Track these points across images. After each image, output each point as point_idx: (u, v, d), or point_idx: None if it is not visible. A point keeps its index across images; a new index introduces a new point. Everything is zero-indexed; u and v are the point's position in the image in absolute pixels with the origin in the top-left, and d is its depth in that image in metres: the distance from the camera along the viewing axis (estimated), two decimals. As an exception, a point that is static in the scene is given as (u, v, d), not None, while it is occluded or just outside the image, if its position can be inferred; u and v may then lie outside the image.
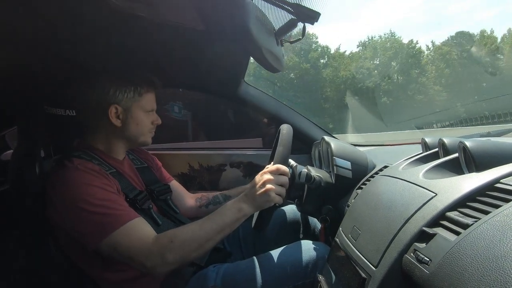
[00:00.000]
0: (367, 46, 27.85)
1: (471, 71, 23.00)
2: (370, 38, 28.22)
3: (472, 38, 25.61)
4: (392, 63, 25.96)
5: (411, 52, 25.85)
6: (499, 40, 24.73)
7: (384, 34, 28.23)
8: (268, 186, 0.75)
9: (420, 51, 26.45)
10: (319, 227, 1.03)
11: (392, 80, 24.99)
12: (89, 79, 0.86)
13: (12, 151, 1.10)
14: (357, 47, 28.74)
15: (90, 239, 0.73)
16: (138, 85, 0.86)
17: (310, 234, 1.10)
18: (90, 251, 0.74)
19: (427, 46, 28.78)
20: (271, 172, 0.77)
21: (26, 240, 0.90)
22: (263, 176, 0.77)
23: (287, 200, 1.13)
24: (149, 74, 0.90)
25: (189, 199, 1.11)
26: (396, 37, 27.24)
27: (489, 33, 25.32)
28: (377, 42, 27.41)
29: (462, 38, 25.76)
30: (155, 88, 0.91)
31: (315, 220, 1.10)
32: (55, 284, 0.90)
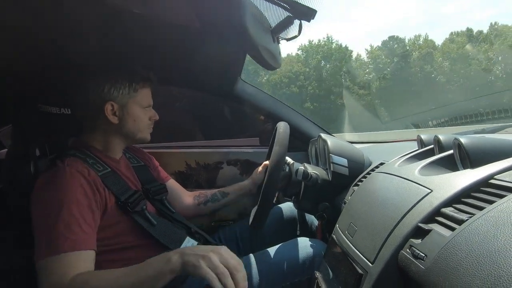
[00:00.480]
0: (303, 50, 27.52)
1: (401, 75, 23.30)
2: (310, 41, 27.66)
3: (403, 43, 25.92)
4: (326, 66, 26.12)
5: (339, 57, 25.98)
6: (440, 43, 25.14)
7: (323, 38, 27.80)
8: (209, 254, 0.58)
9: (350, 55, 26.75)
10: (316, 224, 1.04)
11: (319, 84, 24.91)
12: (84, 77, 0.85)
13: (6, 150, 1.09)
14: (297, 50, 28.36)
15: (36, 251, 0.67)
16: (133, 81, 0.85)
17: (307, 231, 1.10)
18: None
19: (366, 49, 29.17)
20: (222, 258, 0.59)
21: (24, 240, 0.89)
22: (212, 253, 0.59)
23: (284, 198, 1.13)
24: (144, 69, 0.89)
25: (187, 197, 1.10)
26: (331, 41, 27.06)
27: (424, 37, 25.71)
28: (311, 46, 27.15)
29: (394, 43, 26.12)
30: (151, 83, 0.90)
31: (312, 217, 1.11)
32: None
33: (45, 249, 0.66)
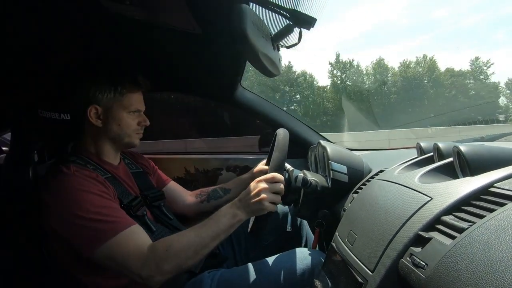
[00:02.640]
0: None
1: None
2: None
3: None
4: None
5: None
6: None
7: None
8: (263, 195, 0.75)
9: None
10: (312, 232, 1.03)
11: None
12: (72, 81, 0.86)
13: (5, 155, 1.09)
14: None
15: (85, 246, 0.71)
16: (119, 85, 0.86)
17: (300, 234, 1.09)
18: (84, 258, 0.73)
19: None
20: (266, 181, 0.77)
21: (18, 244, 0.88)
22: (258, 184, 0.77)
23: (283, 205, 1.13)
24: (135, 74, 0.89)
25: (189, 196, 1.11)
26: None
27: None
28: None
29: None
30: (139, 88, 0.89)
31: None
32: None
33: (99, 238, 0.70)
